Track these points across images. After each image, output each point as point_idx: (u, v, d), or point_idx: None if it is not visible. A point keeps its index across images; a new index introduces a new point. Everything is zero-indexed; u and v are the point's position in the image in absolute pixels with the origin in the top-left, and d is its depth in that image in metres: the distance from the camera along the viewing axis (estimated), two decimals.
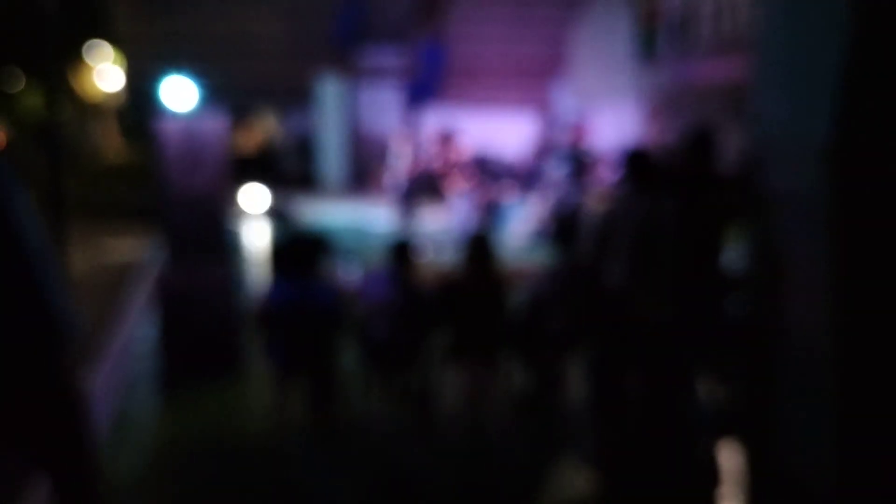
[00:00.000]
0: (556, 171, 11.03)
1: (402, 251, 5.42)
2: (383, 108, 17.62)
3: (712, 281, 5.06)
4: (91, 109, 28.81)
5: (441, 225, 11.79)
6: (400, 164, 12.49)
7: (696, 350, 5.13)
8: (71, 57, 27.03)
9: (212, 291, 6.36)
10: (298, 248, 5.53)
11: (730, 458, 4.90)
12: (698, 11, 12.74)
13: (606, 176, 12.01)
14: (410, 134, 13.90)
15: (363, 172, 16.64)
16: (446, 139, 12.68)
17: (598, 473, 4.88)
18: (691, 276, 4.89)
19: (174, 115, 6.50)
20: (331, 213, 12.69)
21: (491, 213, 11.08)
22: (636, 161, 5.02)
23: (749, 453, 4.78)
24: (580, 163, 11.35)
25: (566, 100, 17.25)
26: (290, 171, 18.04)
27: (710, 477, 4.89)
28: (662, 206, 4.88)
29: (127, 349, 6.92)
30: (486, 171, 12.43)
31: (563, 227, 5.89)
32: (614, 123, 14.82)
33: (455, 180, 11.60)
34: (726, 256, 5.16)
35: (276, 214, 5.84)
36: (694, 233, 4.91)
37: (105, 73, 28.10)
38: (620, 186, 5.27)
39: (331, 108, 17.85)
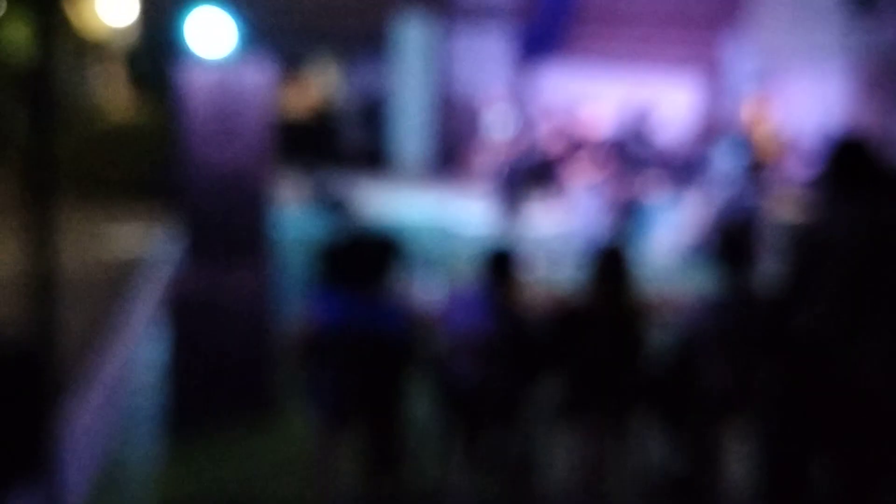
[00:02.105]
0: (726, 162, 10.90)
1: (501, 264, 5.43)
2: (485, 62, 17.72)
3: None
4: (91, 50, 29.66)
5: (558, 229, 11.78)
6: (501, 141, 12.48)
7: None
8: None
9: (243, 305, 6.43)
10: (360, 253, 5.57)
11: None
12: None
13: (797, 171, 11.86)
14: (520, 99, 13.92)
15: (453, 151, 16.72)
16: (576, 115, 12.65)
17: None
18: None
19: (203, 63, 6.61)
20: (406, 205, 12.86)
21: (630, 216, 11.05)
22: (848, 154, 4.91)
23: None
24: (761, 151, 11.21)
25: (744, 61, 17.04)
26: (353, 144, 18.32)
27: None
28: (888, 221, 4.76)
29: (125, 378, 7.12)
30: (626, 156, 12.26)
31: (732, 241, 5.85)
32: (813, 96, 14.61)
33: (580, 167, 11.55)
34: None
35: (333, 205, 5.97)
36: None
37: (111, 1, 28.92)
38: (820, 187, 5.17)
39: (413, 61, 18.08)
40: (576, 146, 12.93)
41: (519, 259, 5.58)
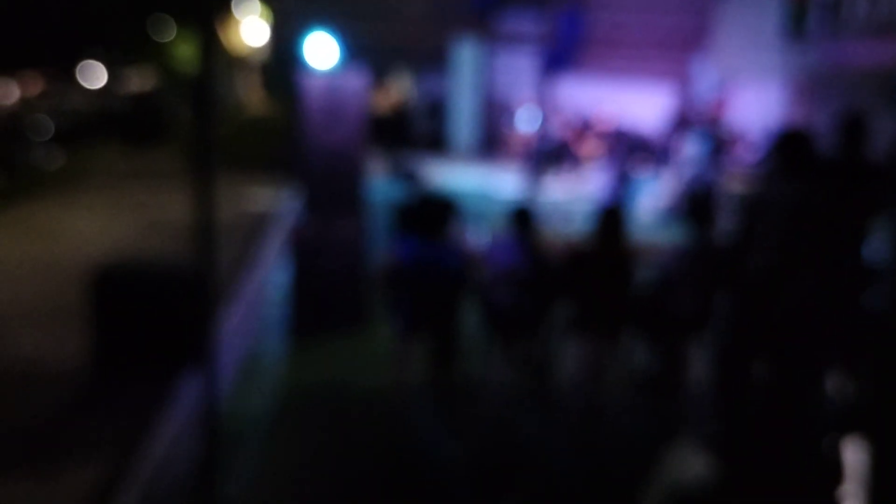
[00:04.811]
0: (694, 148, 10.70)
1: (523, 218, 5.35)
2: (518, 74, 17.53)
3: (854, 273, 4.82)
4: (236, 62, 29.70)
5: (567, 195, 11.66)
6: (528, 132, 12.42)
7: (831, 342, 4.92)
8: (219, 9, 27.89)
9: (343, 245, 6.40)
10: (429, 210, 5.53)
11: (855, 457, 4.70)
12: None
13: (744, 156, 11.67)
14: (542, 102, 13.80)
15: (493, 138, 16.72)
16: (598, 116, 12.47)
17: (717, 459, 4.73)
18: (834, 267, 4.67)
19: (316, 72, 6.56)
20: (459, 176, 12.79)
21: (624, 186, 10.84)
22: (791, 144, 4.78)
23: (875, 453, 4.56)
24: (719, 141, 11.02)
25: (707, 75, 16.74)
26: (422, 133, 18.26)
27: (833, 473, 4.69)
28: (813, 193, 4.67)
29: (261, 294, 7.16)
30: (621, 143, 12.23)
31: (696, 206, 5.61)
32: (756, 103, 14.32)
33: (593, 151, 11.42)
34: (869, 248, 4.91)
35: (407, 176, 5.88)
36: (841, 222, 4.68)
37: (251, 27, 28.86)
38: (764, 168, 5.05)
39: (465, 73, 17.93)
40: (580, 135, 12.88)
41: (538, 215, 5.49)
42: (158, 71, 29.06)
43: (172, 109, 21.36)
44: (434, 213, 5.50)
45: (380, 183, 8.58)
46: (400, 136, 16.16)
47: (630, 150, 11.48)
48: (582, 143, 12.56)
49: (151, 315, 5.44)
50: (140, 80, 25.57)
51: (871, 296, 4.86)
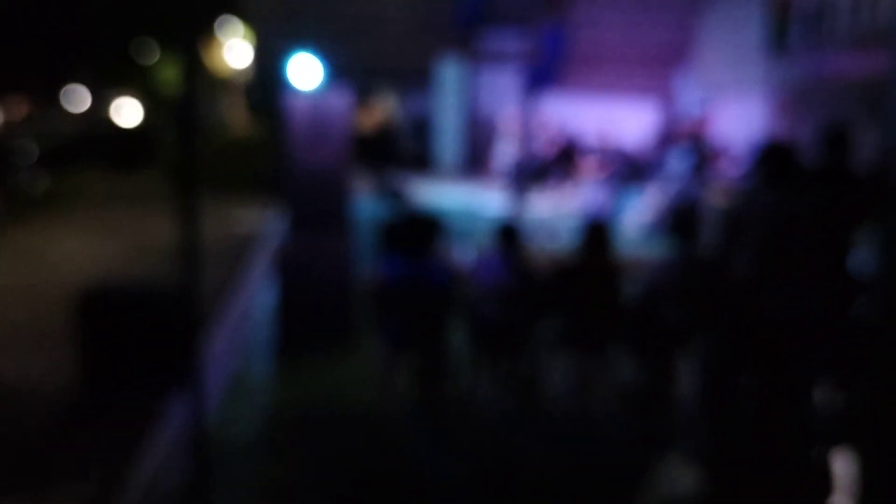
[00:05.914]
0: (678, 163, 10.78)
1: (509, 235, 5.40)
2: (502, 92, 17.59)
3: (840, 283, 4.87)
4: (219, 84, 29.76)
5: (553, 211, 11.72)
6: (512, 148, 12.49)
7: (819, 352, 4.95)
8: (203, 31, 27.97)
9: (329, 264, 6.43)
10: (414, 228, 5.55)
11: (844, 467, 4.72)
12: (835, 3, 12.22)
13: (728, 170, 11.75)
14: (526, 119, 13.84)
15: (478, 156, 16.77)
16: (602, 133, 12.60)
17: (706, 472, 4.74)
18: (821, 277, 4.71)
19: (300, 93, 6.58)
20: (445, 194, 12.80)
21: (611, 201, 10.89)
22: (774, 155, 4.84)
23: (864, 464, 4.58)
24: (703, 155, 11.09)
25: (690, 90, 16.88)
26: (406, 151, 18.32)
27: (823, 485, 4.70)
28: (797, 204, 4.72)
29: (247, 315, 7.16)
30: (621, 163, 12.30)
31: (681, 220, 5.54)
32: (740, 117, 14.44)
33: (594, 170, 11.47)
34: (856, 258, 4.95)
35: (392, 194, 5.89)
36: (826, 232, 4.73)
37: (234, 49, 28.94)
38: (748, 181, 5.10)
39: (450, 91, 18.02)
40: (564, 153, 12.96)
41: (523, 232, 5.54)
42: (142, 94, 29.08)
43: (157, 132, 21.35)
44: (420, 230, 5.52)
45: (365, 201, 8.55)
46: (385, 154, 16.20)
47: (628, 169, 11.54)
48: (580, 163, 12.63)
49: (138, 337, 5.43)
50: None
51: (858, 306, 4.90)
